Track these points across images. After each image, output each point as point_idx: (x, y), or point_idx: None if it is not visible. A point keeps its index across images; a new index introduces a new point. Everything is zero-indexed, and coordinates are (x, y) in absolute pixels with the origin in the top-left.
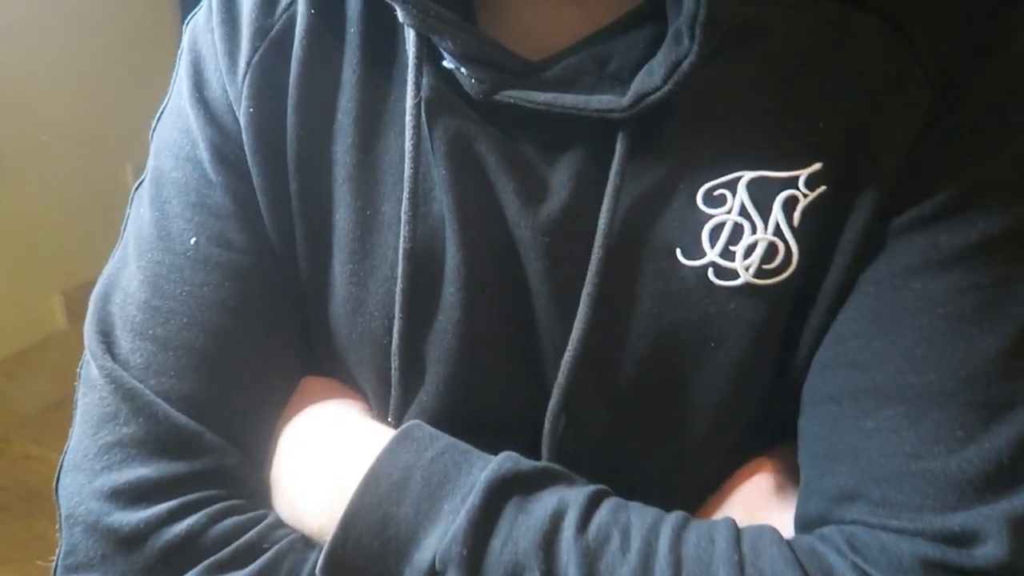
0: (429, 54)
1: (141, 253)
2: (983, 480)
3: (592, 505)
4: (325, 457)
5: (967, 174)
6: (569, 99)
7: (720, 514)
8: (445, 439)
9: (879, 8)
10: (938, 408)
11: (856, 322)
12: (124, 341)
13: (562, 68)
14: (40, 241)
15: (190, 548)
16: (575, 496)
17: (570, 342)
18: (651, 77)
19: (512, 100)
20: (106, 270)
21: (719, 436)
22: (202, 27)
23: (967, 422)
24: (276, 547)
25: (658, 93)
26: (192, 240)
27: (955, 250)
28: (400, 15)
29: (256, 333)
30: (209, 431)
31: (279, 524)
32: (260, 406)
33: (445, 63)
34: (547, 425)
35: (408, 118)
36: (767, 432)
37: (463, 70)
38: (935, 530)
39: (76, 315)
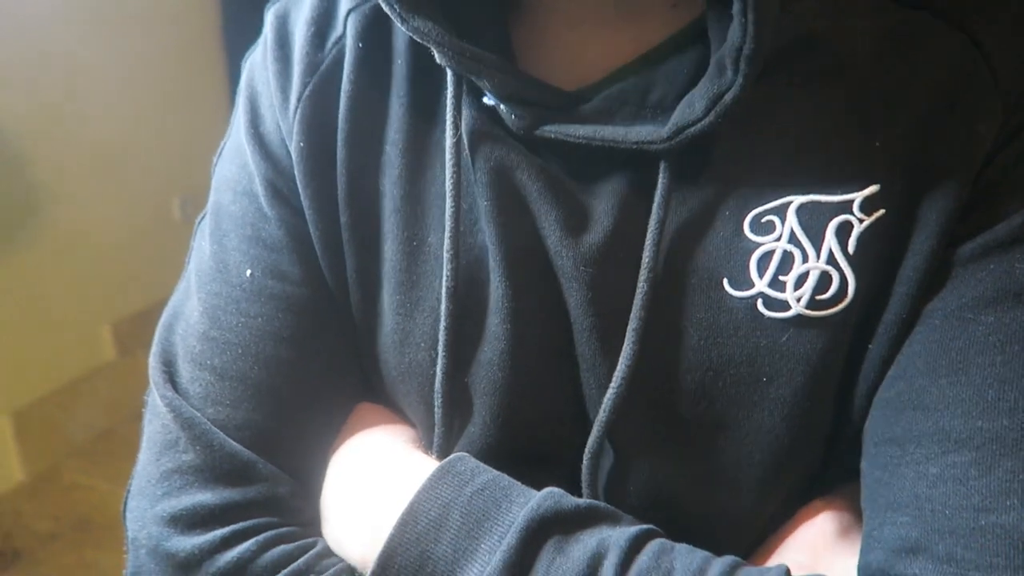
0: (469, 89)
1: (201, 285)
2: None
3: (634, 548)
4: (370, 488)
5: None
6: (608, 132)
7: (781, 556)
8: (487, 474)
9: (951, 15)
10: (1011, 456)
11: (921, 358)
12: (184, 371)
13: (602, 100)
14: (89, 273)
15: (241, 575)
16: (617, 538)
17: (614, 378)
18: (692, 109)
19: (552, 135)
20: (171, 301)
21: (776, 479)
22: (258, 64)
23: None
24: (330, 571)
25: (699, 125)
26: (248, 272)
27: None
28: (437, 56)
29: (310, 363)
30: (263, 460)
31: (327, 553)
32: (313, 435)
33: (485, 100)
34: (585, 462)
35: (448, 156)
36: (830, 473)
37: (503, 107)
38: None
39: (125, 346)
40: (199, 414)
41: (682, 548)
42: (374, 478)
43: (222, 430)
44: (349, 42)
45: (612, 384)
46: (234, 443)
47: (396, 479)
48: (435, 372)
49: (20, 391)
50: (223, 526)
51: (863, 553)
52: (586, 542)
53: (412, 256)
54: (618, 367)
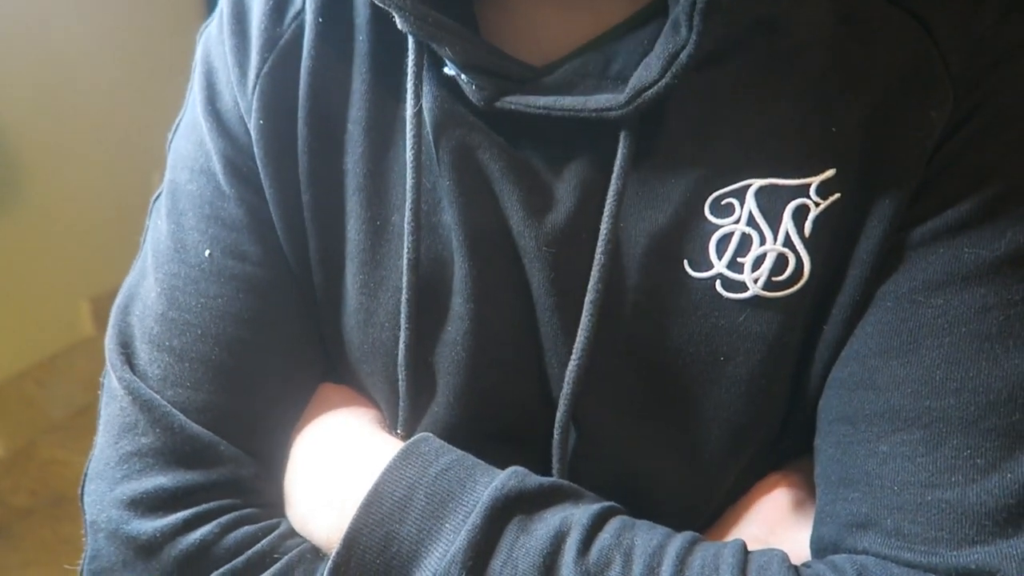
0: (431, 60)
1: (158, 265)
2: (1004, 513)
3: (596, 526)
4: (334, 470)
5: (994, 181)
6: (568, 101)
7: (739, 530)
8: (451, 454)
9: (905, 1)
10: (957, 434)
11: (874, 339)
12: (143, 352)
13: (564, 72)
14: (68, 248)
15: (204, 557)
16: (579, 516)
17: (574, 351)
18: (648, 71)
19: (512, 106)
20: (126, 282)
21: (734, 454)
22: (214, 38)
23: (988, 450)
24: (287, 557)
25: (655, 87)
26: (206, 252)
27: (980, 263)
28: (398, 22)
29: (271, 344)
30: (225, 441)
31: (291, 533)
32: (276, 416)
33: (446, 70)
34: (555, 438)
35: (408, 127)
36: (784, 448)
37: (463, 77)
38: (950, 566)
39: (103, 322)
40: (158, 396)
41: (643, 524)
42: (339, 459)
43: (182, 412)
44: (309, 17)
45: (572, 357)
46: (195, 425)
47: (361, 460)
48: (399, 351)
49: None
50: (185, 508)
51: (816, 527)
52: (549, 520)
53: (376, 235)
54: (577, 339)
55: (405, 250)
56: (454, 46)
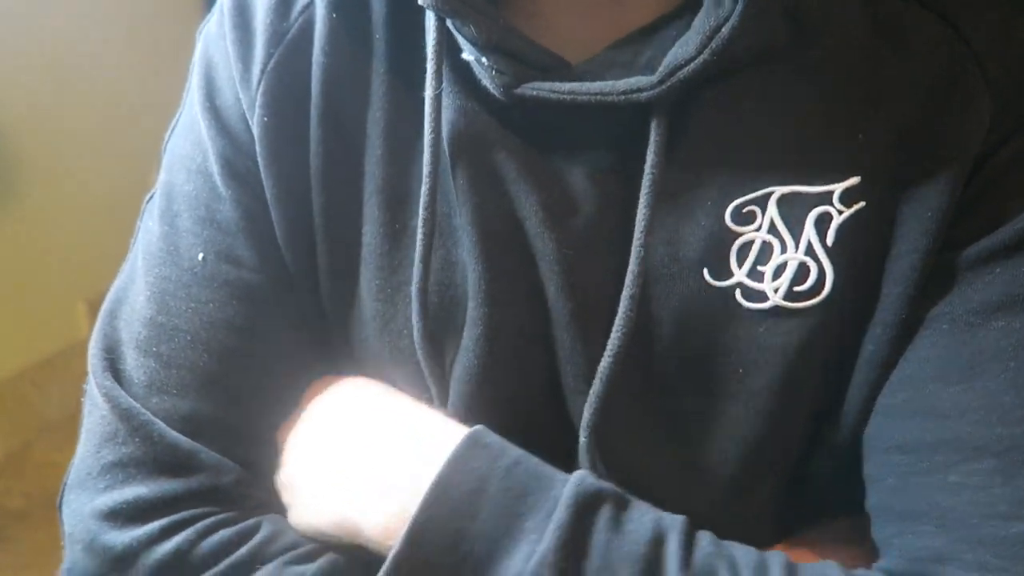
0: (449, 45)
1: (149, 268)
2: None
3: (690, 532)
4: (380, 452)
5: None
6: (596, 85)
7: None
8: (517, 448)
9: (939, 7)
10: None
11: (930, 364)
12: (129, 358)
13: (591, 60)
14: (64, 249)
15: (179, 566)
16: (671, 521)
17: (604, 356)
18: (685, 48)
19: (535, 92)
20: (115, 285)
21: (751, 479)
22: (214, 34)
23: None
24: (272, 564)
25: (692, 64)
26: (200, 256)
27: None
28: None
29: (264, 353)
30: (206, 449)
31: (273, 537)
32: (264, 424)
33: (464, 55)
34: (582, 446)
35: (427, 110)
36: (813, 472)
37: (484, 60)
38: None
39: None
40: (139, 404)
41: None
42: (382, 440)
43: (165, 420)
44: (320, 11)
45: (605, 357)
46: (175, 433)
47: (413, 443)
48: (418, 357)
49: None
50: (162, 517)
51: (886, 559)
52: (641, 522)
53: (394, 240)
54: (609, 344)
55: (419, 238)
56: (478, 24)
